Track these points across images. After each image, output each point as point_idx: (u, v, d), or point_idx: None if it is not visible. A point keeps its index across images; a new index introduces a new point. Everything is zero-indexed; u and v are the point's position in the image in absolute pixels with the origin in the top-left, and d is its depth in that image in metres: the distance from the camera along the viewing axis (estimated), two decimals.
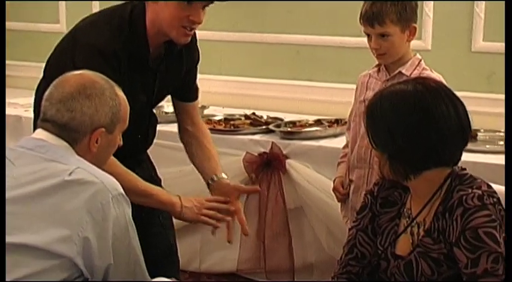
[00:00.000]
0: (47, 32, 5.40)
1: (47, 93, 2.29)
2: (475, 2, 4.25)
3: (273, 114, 4.46)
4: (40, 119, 2.29)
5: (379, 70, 3.16)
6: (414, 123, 2.23)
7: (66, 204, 2.12)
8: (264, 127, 4.19)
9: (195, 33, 2.92)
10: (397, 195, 2.42)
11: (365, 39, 3.13)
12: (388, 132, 2.26)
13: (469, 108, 2.74)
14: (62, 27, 5.39)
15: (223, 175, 3.03)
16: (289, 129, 4.14)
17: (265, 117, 4.39)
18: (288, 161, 3.94)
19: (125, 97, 2.36)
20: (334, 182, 3.35)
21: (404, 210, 2.38)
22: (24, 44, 5.61)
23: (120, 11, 2.84)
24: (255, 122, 4.27)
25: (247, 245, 4.06)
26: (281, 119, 4.33)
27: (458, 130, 2.28)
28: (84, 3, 5.24)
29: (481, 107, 4.03)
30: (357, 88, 3.23)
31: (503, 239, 2.15)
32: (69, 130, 2.23)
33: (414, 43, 4.17)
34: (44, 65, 2.83)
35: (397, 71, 3.06)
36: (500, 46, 4.10)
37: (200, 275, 4.22)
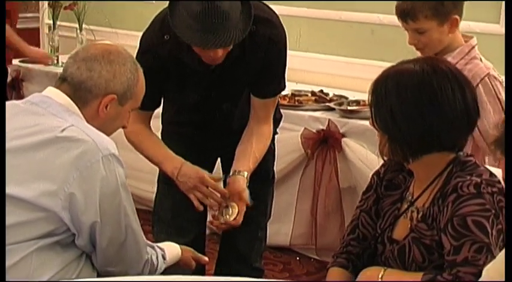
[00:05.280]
0: None
1: (73, 52, 2.36)
2: None
3: (342, 93, 4.45)
4: (59, 77, 2.33)
5: None
6: (417, 105, 2.19)
7: (54, 159, 2.14)
8: (326, 104, 4.23)
9: (271, 41, 2.83)
10: (401, 179, 2.40)
11: None
12: (389, 112, 2.22)
13: None
14: None
15: (244, 174, 2.91)
16: (349, 107, 4.14)
17: (331, 95, 4.40)
18: (344, 139, 3.97)
19: (144, 79, 2.40)
20: None
21: (407, 194, 2.36)
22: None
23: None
24: (319, 99, 4.29)
25: (301, 220, 4.15)
26: (346, 98, 4.33)
27: (464, 116, 2.22)
28: None
29: None
30: None
31: (497, 231, 2.11)
32: (84, 89, 2.26)
33: (488, 27, 4.21)
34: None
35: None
36: None
37: None
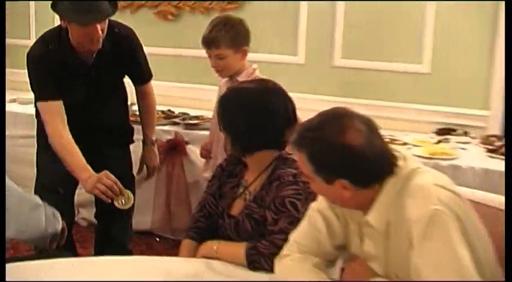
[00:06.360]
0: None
1: None
2: (336, 28, 4.31)
3: (186, 111, 4.47)
4: None
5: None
6: (252, 115, 2.24)
7: None
8: (172, 120, 4.22)
9: (129, 37, 2.97)
10: (238, 170, 2.43)
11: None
12: (231, 120, 2.27)
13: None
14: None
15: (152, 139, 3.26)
16: (190, 122, 4.16)
17: (177, 113, 4.41)
18: (188, 146, 3.99)
19: None
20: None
21: (243, 181, 2.40)
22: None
23: (54, 29, 2.89)
24: (168, 116, 4.31)
25: (158, 210, 4.12)
26: (188, 114, 4.36)
27: (287, 122, 2.27)
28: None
29: None
30: (219, 90, 3.16)
31: (305, 209, 2.11)
32: None
33: (289, 58, 4.36)
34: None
35: (234, 80, 2.99)
36: (354, 62, 4.28)
37: None
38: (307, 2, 4.38)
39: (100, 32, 2.71)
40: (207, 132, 3.90)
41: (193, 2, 4.67)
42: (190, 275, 2.04)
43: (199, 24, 4.52)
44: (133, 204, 3.16)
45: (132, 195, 2.79)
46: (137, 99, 3.24)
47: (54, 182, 2.97)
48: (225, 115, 2.31)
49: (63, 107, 2.83)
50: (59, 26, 2.83)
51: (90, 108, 2.99)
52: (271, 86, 2.36)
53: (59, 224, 2.33)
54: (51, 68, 2.80)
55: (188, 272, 2.06)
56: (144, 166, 3.35)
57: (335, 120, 1.78)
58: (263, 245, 2.13)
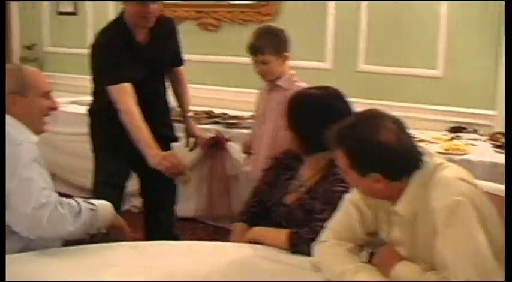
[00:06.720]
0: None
1: None
2: (360, 38, 4.34)
3: (225, 111, 4.48)
4: None
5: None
6: (316, 117, 2.21)
7: None
8: (214, 119, 4.24)
9: (173, 24, 3.11)
10: (294, 164, 2.40)
11: None
12: (298, 121, 2.26)
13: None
14: None
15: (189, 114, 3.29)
16: (230, 121, 4.18)
17: (217, 113, 4.42)
18: (229, 143, 3.99)
19: (33, 70, 2.21)
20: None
21: (297, 174, 2.37)
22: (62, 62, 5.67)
23: (110, 22, 2.97)
24: (209, 116, 4.32)
25: (202, 199, 4.12)
26: (227, 114, 4.38)
27: None
28: None
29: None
30: (261, 93, 3.19)
31: None
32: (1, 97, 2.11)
33: (317, 64, 4.37)
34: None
35: (276, 84, 2.99)
36: (376, 68, 4.29)
37: None
38: (333, 14, 4.40)
39: (153, 10, 2.82)
40: (245, 130, 3.95)
41: (231, 14, 4.71)
42: (238, 259, 2.07)
43: (237, 34, 4.65)
44: (177, 195, 3.19)
45: (192, 176, 2.78)
46: (173, 82, 3.24)
47: (113, 178, 2.97)
48: (293, 117, 2.29)
49: (132, 88, 2.82)
50: (115, 19, 2.94)
51: (146, 90, 2.92)
52: (332, 91, 2.33)
53: (73, 224, 2.01)
54: (116, 51, 2.84)
55: (236, 256, 2.10)
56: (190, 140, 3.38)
57: (369, 120, 1.79)
58: (304, 231, 2.12)
